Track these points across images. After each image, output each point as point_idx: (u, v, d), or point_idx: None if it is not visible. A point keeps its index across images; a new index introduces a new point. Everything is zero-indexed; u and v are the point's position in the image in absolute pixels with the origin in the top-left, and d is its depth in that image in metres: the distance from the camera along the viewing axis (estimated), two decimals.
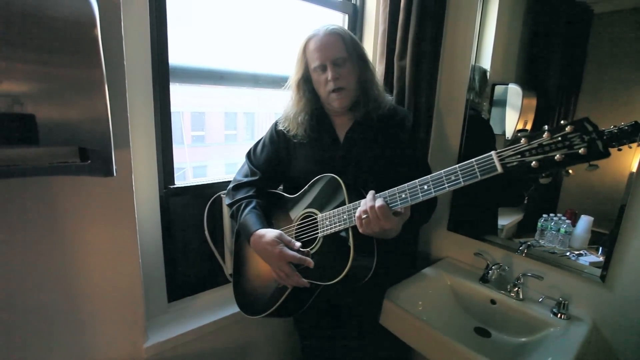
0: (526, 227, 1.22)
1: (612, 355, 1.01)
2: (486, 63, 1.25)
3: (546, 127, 0.62)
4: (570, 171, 0.61)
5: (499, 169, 0.66)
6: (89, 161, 0.65)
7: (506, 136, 1.24)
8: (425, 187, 0.75)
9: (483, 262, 1.22)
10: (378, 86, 1.04)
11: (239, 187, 1.09)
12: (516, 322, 1.07)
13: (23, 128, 0.56)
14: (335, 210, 0.90)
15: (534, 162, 0.62)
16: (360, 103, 1.02)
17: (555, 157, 0.60)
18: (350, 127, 1.04)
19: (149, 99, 1.02)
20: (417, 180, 0.77)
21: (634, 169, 0.93)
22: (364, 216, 0.80)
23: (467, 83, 1.26)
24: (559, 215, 1.13)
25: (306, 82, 1.03)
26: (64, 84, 0.61)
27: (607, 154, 0.57)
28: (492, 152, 0.67)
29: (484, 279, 1.19)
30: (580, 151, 0.58)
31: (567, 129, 0.59)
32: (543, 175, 0.64)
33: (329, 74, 0.95)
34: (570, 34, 1.12)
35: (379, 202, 0.79)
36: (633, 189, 0.93)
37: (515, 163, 0.65)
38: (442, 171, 0.73)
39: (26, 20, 0.56)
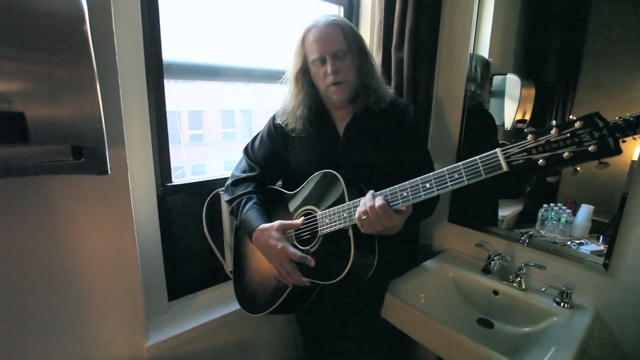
0: (527, 217, 1.22)
1: (615, 343, 1.01)
2: (484, 53, 1.24)
3: (554, 122, 0.59)
4: (579, 168, 0.59)
5: (505, 167, 0.64)
6: (83, 159, 0.64)
7: (505, 127, 1.23)
8: (428, 185, 0.73)
9: (485, 253, 1.22)
10: (378, 79, 1.01)
11: (237, 182, 1.08)
12: (519, 313, 1.07)
13: (12, 127, 0.55)
14: (335, 208, 0.88)
15: (541, 160, 0.60)
16: (360, 96, 1.00)
17: (564, 155, 0.58)
18: (349, 121, 1.03)
19: (143, 95, 1.01)
20: (419, 178, 0.75)
21: (636, 158, 0.92)
22: (364, 217, 0.79)
23: (466, 73, 1.25)
24: (559, 204, 1.12)
25: (305, 75, 1.01)
26: (53, 82, 0.60)
27: (618, 151, 0.54)
28: (497, 150, 0.65)
29: (486, 270, 1.18)
30: (590, 148, 0.55)
31: (576, 124, 0.56)
32: (550, 173, 0.62)
33: (329, 67, 0.93)
34: (568, 22, 1.11)
35: (378, 202, 0.77)
36: (635, 178, 0.92)
37: (521, 161, 0.62)
38: (445, 169, 0.71)
39: (11, 16, 0.54)
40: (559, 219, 1.11)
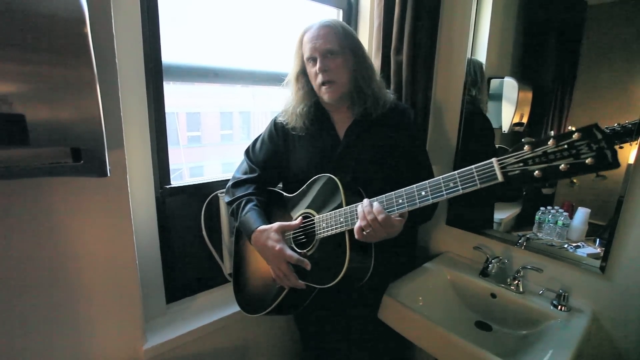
0: (524, 220, 1.22)
1: (613, 345, 1.01)
2: (482, 57, 1.25)
3: (552, 133, 0.59)
4: (575, 181, 0.58)
5: (500, 178, 0.64)
6: (82, 162, 0.64)
7: (503, 130, 1.24)
8: (423, 192, 0.74)
9: (482, 256, 1.22)
10: (377, 83, 1.01)
11: (238, 184, 1.08)
12: (517, 315, 1.07)
13: (12, 129, 0.55)
14: (333, 212, 0.88)
15: (537, 172, 0.59)
16: (358, 100, 1.00)
17: (560, 167, 0.57)
18: (350, 125, 1.03)
19: (142, 98, 1.01)
20: (414, 186, 0.75)
21: (632, 162, 0.93)
22: (368, 230, 0.78)
23: (464, 77, 1.26)
24: (556, 207, 1.13)
25: (304, 75, 1.02)
26: (54, 84, 0.59)
27: (616, 165, 0.53)
28: (493, 159, 0.65)
29: (483, 273, 1.19)
30: (587, 161, 0.54)
31: (574, 136, 0.56)
32: (546, 185, 0.62)
33: (317, 66, 0.94)
34: (564, 26, 1.12)
35: (381, 215, 0.77)
36: (631, 181, 0.93)
37: (517, 172, 0.62)
38: (441, 177, 0.72)
39: (12, 17, 0.54)
40: (556, 222, 1.12)
